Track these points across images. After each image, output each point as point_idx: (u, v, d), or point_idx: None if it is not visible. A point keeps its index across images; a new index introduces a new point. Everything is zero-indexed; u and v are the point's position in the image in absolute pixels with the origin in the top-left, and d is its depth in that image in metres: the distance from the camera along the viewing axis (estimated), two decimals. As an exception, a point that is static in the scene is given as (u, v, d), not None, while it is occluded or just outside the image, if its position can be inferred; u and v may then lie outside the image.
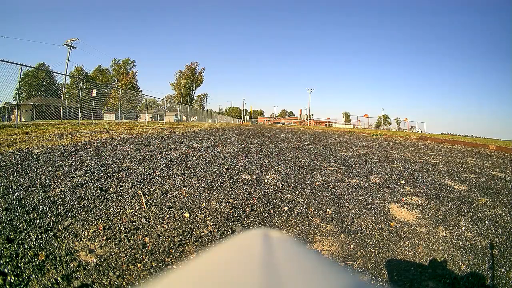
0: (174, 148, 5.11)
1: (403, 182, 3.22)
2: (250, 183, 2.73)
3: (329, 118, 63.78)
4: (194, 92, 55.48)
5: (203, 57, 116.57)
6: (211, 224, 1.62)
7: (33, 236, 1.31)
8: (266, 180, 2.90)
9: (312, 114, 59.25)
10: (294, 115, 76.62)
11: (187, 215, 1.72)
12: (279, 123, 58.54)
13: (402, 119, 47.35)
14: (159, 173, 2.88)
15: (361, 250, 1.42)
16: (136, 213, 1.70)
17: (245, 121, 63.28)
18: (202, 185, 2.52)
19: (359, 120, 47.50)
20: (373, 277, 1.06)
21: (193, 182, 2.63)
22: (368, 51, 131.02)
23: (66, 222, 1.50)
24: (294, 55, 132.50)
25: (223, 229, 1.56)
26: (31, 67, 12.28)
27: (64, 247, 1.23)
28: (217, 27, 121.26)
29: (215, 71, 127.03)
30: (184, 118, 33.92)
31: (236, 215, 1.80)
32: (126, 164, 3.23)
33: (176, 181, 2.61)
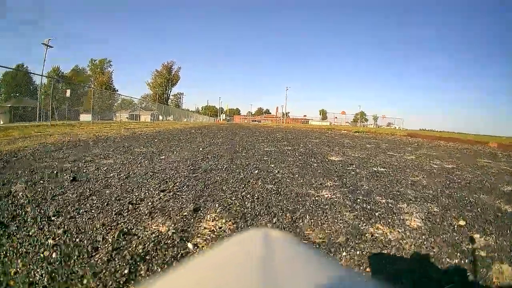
0: (109, 155, 3.57)
1: (462, 222, 1.72)
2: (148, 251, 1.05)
3: (305, 116, 63.20)
4: (170, 91, 55.00)
5: (180, 56, 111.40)
6: None
7: None
8: (189, 245, 1.25)
9: (289, 112, 58.65)
10: (270, 113, 75.71)
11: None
12: (255, 121, 57.44)
13: (380, 116, 47.77)
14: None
15: None
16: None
17: (221, 120, 61.95)
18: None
19: (336, 117, 47.10)
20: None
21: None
22: (345, 49, 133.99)
23: None
24: (270, 53, 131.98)
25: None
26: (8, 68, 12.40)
27: None
28: (193, 26, 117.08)
29: (191, 70, 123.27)
30: (160, 117, 33.49)
31: None
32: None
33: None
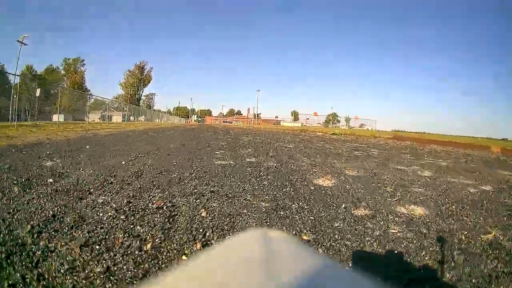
0: None
1: None
2: None
3: (277, 117, 62.13)
4: (142, 92, 54.62)
5: (152, 56, 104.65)
6: None
7: None
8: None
9: (260, 113, 57.37)
10: (242, 114, 73.17)
11: None
12: (226, 122, 55.07)
13: (352, 117, 47.93)
14: None
15: None
16: None
17: (193, 121, 59.94)
18: None
19: (308, 118, 46.47)
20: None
21: None
22: (316, 49, 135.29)
23: None
24: (242, 54, 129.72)
25: None
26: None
27: None
28: (166, 26, 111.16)
29: (164, 71, 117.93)
30: (132, 118, 33.31)
31: None
32: None
33: None
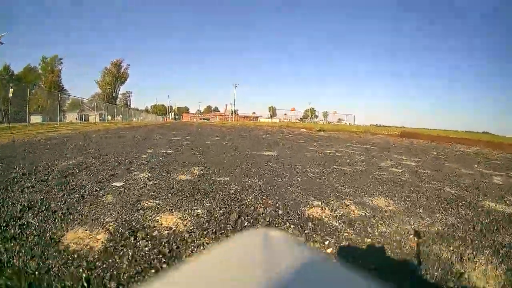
0: None
1: None
2: None
3: (254, 113, 59.90)
4: (119, 90, 53.90)
5: (129, 54, 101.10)
6: None
7: None
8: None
9: (237, 110, 55.46)
10: (219, 111, 71.65)
11: None
12: (204, 119, 53.64)
13: (331, 112, 47.22)
14: None
15: None
16: None
17: (170, 118, 58.56)
18: None
19: (286, 114, 45.02)
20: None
21: None
22: (293, 45, 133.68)
23: None
24: (219, 51, 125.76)
25: None
26: None
27: None
28: (143, 23, 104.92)
29: (140, 68, 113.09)
30: (109, 117, 33.22)
31: None
32: None
33: None
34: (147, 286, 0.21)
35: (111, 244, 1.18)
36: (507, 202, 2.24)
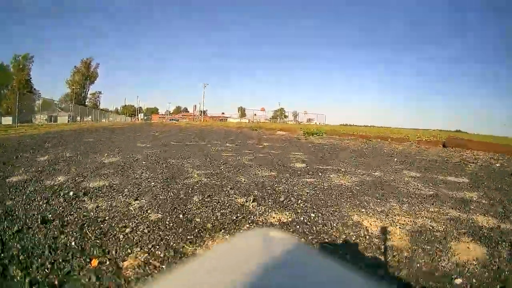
0: None
1: None
2: None
3: (223, 113, 60.60)
4: (88, 90, 53.38)
5: (98, 52, 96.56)
6: None
7: None
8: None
9: (206, 110, 56.93)
10: (188, 111, 73.06)
11: None
12: (173, 119, 54.37)
13: (301, 112, 49.54)
14: None
15: None
16: None
17: (139, 119, 60.05)
18: None
19: (255, 114, 46.59)
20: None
21: None
22: (261, 44, 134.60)
23: None
24: (188, 51, 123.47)
25: None
26: None
27: None
28: (112, 22, 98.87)
29: (109, 68, 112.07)
30: (78, 118, 32.81)
31: None
32: None
33: None
34: (147, 286, 0.21)
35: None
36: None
